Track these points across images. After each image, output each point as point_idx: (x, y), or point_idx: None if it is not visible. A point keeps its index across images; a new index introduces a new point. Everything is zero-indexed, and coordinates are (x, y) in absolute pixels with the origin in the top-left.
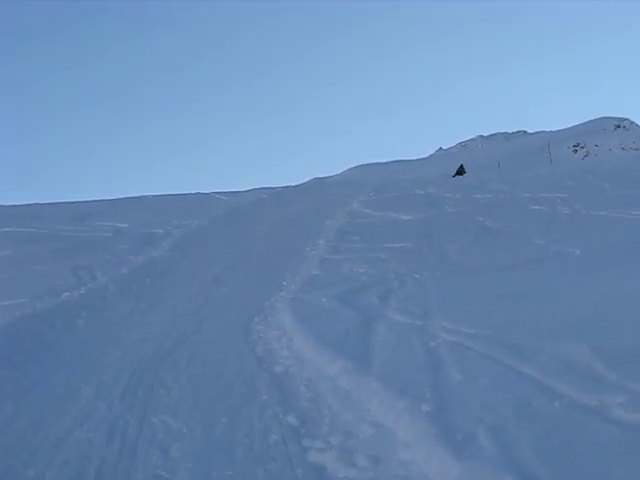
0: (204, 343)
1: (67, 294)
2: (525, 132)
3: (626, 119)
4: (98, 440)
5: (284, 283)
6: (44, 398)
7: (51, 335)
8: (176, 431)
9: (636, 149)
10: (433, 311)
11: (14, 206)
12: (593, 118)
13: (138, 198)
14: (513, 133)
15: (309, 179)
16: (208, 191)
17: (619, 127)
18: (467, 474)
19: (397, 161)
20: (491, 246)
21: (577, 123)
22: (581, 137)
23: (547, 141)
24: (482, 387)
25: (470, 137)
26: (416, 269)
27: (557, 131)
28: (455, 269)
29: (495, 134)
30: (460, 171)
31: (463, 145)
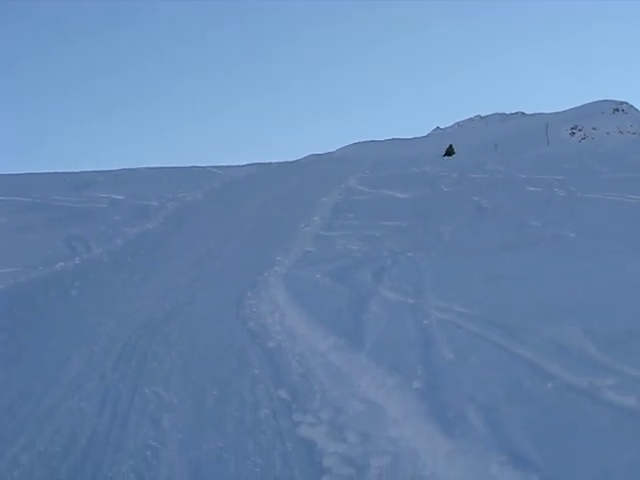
0: (197, 316)
1: (61, 264)
2: (523, 113)
3: (625, 103)
4: (90, 410)
5: (278, 258)
6: (35, 366)
7: (44, 304)
8: (167, 402)
9: (634, 133)
10: (426, 290)
11: (9, 175)
12: (592, 101)
13: (134, 170)
14: (511, 114)
15: (306, 155)
16: (204, 165)
17: (617, 110)
18: (457, 452)
19: (394, 139)
20: (486, 227)
21: (575, 105)
22: (579, 120)
23: (545, 123)
24: (474, 366)
25: (467, 117)
26: (410, 248)
27: (555, 113)
28: (449, 249)
29: (492, 114)
30: (449, 151)
31: (460, 125)
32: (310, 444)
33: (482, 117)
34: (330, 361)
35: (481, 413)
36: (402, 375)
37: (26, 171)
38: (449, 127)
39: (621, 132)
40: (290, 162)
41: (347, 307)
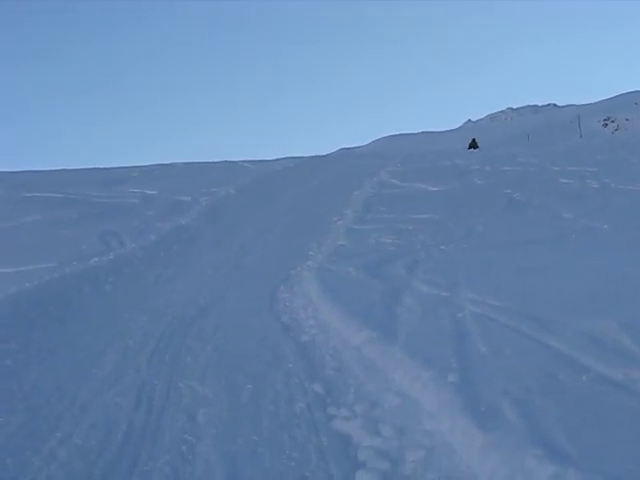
0: (230, 310)
1: (95, 259)
2: (555, 105)
3: None
4: (125, 404)
5: (310, 252)
6: (70, 361)
7: (78, 299)
8: (202, 397)
9: None
10: (459, 283)
11: (43, 171)
12: (624, 92)
13: (167, 165)
14: (543, 106)
15: (337, 149)
16: (236, 159)
17: None
18: (491, 445)
19: (425, 132)
20: (518, 219)
21: (608, 97)
22: (611, 111)
23: (577, 114)
24: (507, 359)
25: (499, 109)
26: (443, 241)
27: (587, 104)
28: (482, 242)
29: (525, 107)
30: (473, 145)
31: (492, 117)
32: (345, 438)
33: (514, 109)
34: (364, 355)
35: (515, 406)
36: (436, 368)
37: (59, 167)
38: (481, 119)
39: None
40: (321, 156)
41: (380, 301)
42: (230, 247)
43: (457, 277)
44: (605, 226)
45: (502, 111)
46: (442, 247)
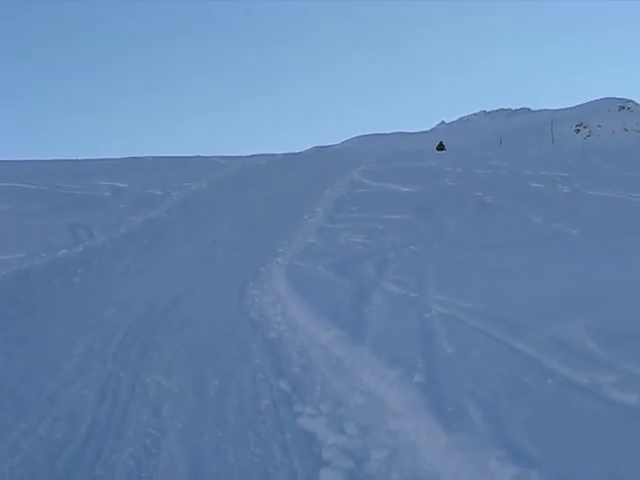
0: (199, 305)
1: (64, 251)
2: (529, 109)
3: (631, 101)
4: (91, 397)
5: (280, 250)
6: (37, 352)
7: (46, 290)
8: (168, 391)
9: (639, 131)
10: (428, 284)
11: (14, 162)
12: (597, 98)
13: (138, 159)
14: (516, 110)
15: (310, 147)
16: (209, 155)
17: (623, 108)
18: (455, 446)
19: (399, 133)
20: (489, 222)
21: (581, 103)
22: (584, 117)
23: (550, 119)
24: (474, 361)
25: (473, 112)
26: (413, 241)
27: (561, 110)
28: (452, 243)
29: (498, 110)
30: (440, 147)
31: (465, 120)
32: (310, 435)
33: (487, 112)
34: (331, 353)
35: (481, 408)
36: (403, 368)
37: (30, 158)
38: (454, 121)
39: (626, 130)
40: (294, 154)
41: (349, 299)
42: (201, 241)
43: (426, 278)
44: (575, 231)
45: (475, 114)
46: (412, 247)
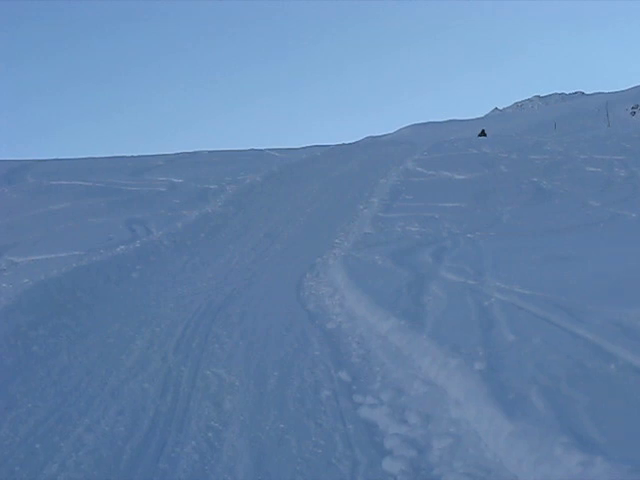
0: (256, 298)
1: (122, 247)
2: (583, 93)
3: None
4: (152, 391)
5: (337, 241)
6: (98, 347)
7: (105, 287)
8: (229, 384)
9: None
10: (486, 271)
11: (71, 160)
12: None
13: (193, 154)
14: (570, 94)
15: (364, 137)
16: (263, 148)
17: None
18: (519, 433)
19: (452, 120)
20: (546, 208)
21: (636, 85)
22: None
23: (605, 102)
24: (535, 347)
25: (527, 97)
26: (470, 229)
27: (615, 92)
28: (509, 230)
29: (552, 95)
30: (482, 134)
31: (519, 105)
32: (371, 425)
33: (541, 97)
34: (390, 342)
35: (543, 395)
36: (463, 356)
37: (87, 156)
38: (508, 107)
39: None
40: (348, 144)
41: (407, 289)
42: (257, 235)
43: (484, 265)
44: (634, 214)
45: (529, 99)
46: (469, 235)
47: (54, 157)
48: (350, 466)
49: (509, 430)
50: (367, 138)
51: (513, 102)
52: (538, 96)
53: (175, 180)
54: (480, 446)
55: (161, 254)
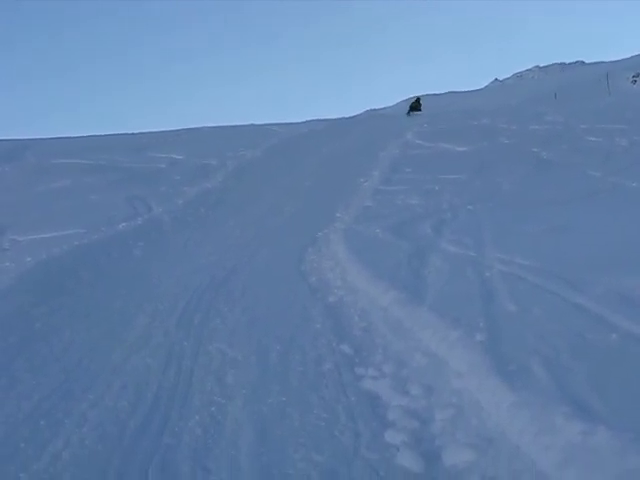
0: (258, 273)
1: (123, 224)
2: (583, 63)
3: None
4: (155, 366)
5: (337, 214)
6: (101, 324)
7: (107, 264)
8: (231, 359)
9: None
10: (486, 242)
11: (72, 138)
12: None
13: (193, 130)
14: (570, 64)
15: (364, 111)
16: (262, 122)
17: None
18: (520, 404)
19: (451, 92)
20: (546, 178)
21: (637, 53)
22: None
23: (606, 72)
24: (536, 318)
25: (526, 68)
26: (470, 201)
27: (616, 61)
28: (509, 201)
29: (552, 65)
30: (415, 106)
31: (519, 76)
32: (374, 397)
33: (541, 67)
34: (392, 315)
35: (544, 365)
36: (464, 328)
37: (88, 134)
38: (508, 78)
39: None
40: (348, 118)
41: (407, 261)
42: (258, 209)
43: (485, 237)
44: (634, 183)
45: (529, 69)
46: (469, 207)
47: (55, 135)
48: (353, 438)
49: (511, 400)
50: (367, 111)
51: (513, 73)
52: (538, 66)
53: (176, 156)
54: (482, 417)
55: (162, 231)
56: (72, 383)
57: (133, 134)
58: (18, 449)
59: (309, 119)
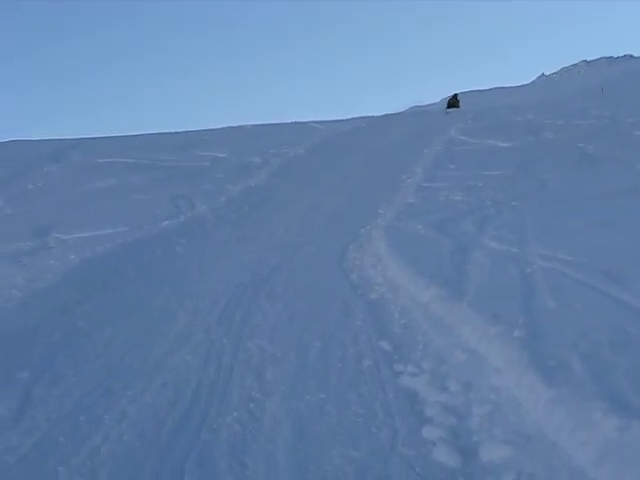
0: (300, 270)
1: (167, 222)
2: (631, 56)
3: None
4: (195, 363)
5: (380, 211)
6: (142, 321)
7: (150, 262)
8: (271, 355)
9: None
10: (530, 238)
11: (117, 137)
12: None
13: (237, 128)
14: (618, 57)
15: (408, 107)
16: (306, 120)
17: None
18: (557, 400)
19: (497, 88)
20: (592, 173)
21: None
22: None
23: None
24: (577, 314)
25: (573, 63)
26: (513, 197)
27: None
28: (553, 197)
29: (599, 59)
30: (453, 103)
31: (566, 70)
32: (412, 394)
33: (588, 62)
34: (432, 312)
35: (583, 361)
36: (504, 324)
37: (132, 133)
38: (554, 73)
39: None
40: (392, 114)
41: (449, 258)
42: (300, 207)
43: (527, 233)
44: None
45: (575, 64)
46: (513, 203)
47: (100, 135)
48: (390, 434)
49: (548, 396)
50: (411, 108)
51: (560, 68)
52: (585, 61)
53: (219, 155)
54: (520, 413)
55: (205, 228)
56: (113, 380)
57: (176, 133)
58: (58, 444)
59: (353, 116)
